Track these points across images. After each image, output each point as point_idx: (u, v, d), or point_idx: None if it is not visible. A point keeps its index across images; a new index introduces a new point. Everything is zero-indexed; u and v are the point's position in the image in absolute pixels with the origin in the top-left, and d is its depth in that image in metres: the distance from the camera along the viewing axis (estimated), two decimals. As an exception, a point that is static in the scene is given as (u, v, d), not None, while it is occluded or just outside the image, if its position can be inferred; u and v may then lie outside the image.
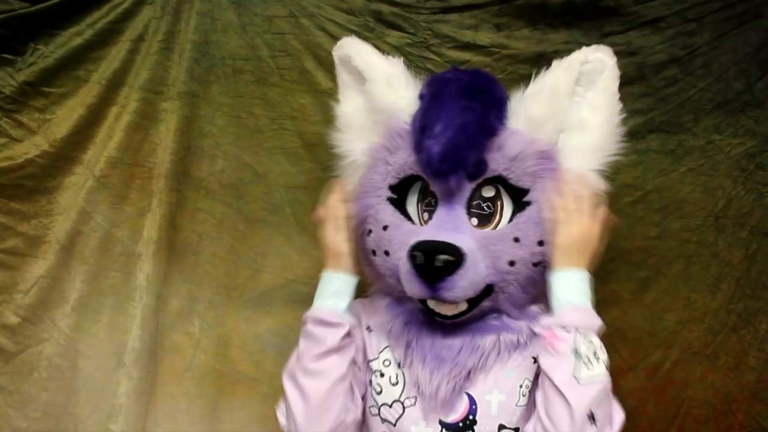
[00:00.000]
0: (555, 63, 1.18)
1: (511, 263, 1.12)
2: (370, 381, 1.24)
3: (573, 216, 1.11)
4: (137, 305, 1.66)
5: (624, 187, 1.67)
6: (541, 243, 1.13)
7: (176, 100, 1.67)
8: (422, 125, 1.12)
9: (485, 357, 1.15)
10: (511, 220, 1.14)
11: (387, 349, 1.24)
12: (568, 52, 1.60)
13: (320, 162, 1.68)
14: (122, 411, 1.64)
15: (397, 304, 1.24)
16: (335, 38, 1.65)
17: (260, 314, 1.72)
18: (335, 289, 1.19)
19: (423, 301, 1.16)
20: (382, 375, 1.21)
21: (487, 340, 1.15)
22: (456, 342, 1.16)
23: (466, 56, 1.65)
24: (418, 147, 1.11)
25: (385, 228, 1.18)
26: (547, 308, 1.19)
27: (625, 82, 1.61)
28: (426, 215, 1.18)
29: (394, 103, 1.21)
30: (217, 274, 1.71)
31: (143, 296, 1.66)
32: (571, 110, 1.16)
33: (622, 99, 1.62)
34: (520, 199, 1.14)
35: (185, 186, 1.69)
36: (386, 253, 1.17)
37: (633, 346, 1.69)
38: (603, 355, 1.07)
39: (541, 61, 1.61)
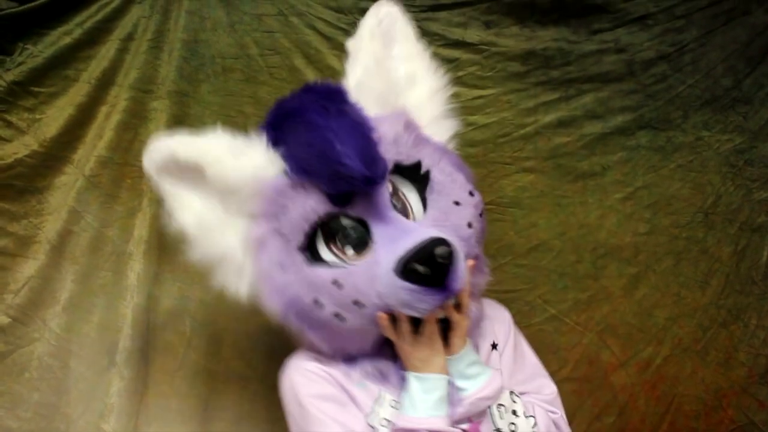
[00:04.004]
0: (353, 40, 1.18)
1: (469, 225, 1.08)
2: None
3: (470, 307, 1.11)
4: (128, 304, 1.66)
5: (614, 184, 1.68)
6: (471, 194, 1.12)
7: (166, 98, 1.66)
8: (318, 151, 1.00)
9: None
10: (423, 200, 1.10)
11: (384, 391, 1.12)
12: (557, 49, 1.65)
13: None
14: (114, 410, 1.63)
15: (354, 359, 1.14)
16: (324, 36, 1.66)
17: (251, 312, 1.71)
18: (440, 396, 1.06)
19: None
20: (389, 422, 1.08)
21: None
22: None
23: (455, 54, 1.66)
24: (329, 174, 1.00)
25: (335, 283, 1.03)
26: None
27: (614, 79, 1.66)
28: (351, 251, 1.06)
29: (251, 169, 1.07)
30: (208, 273, 1.70)
31: (134, 295, 1.65)
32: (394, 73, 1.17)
33: (611, 96, 1.66)
34: (417, 175, 1.11)
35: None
36: (356, 303, 1.02)
37: (624, 342, 1.70)
38: (518, 408, 1.12)
39: (530, 58, 1.66)
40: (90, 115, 1.66)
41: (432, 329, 1.07)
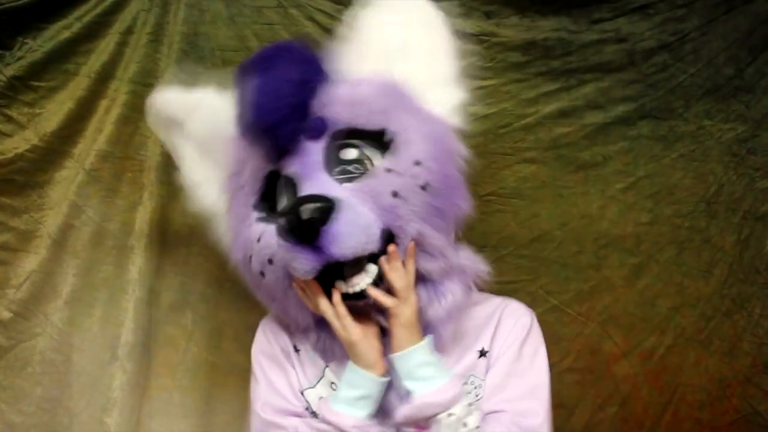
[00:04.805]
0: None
1: (394, 194, 0.96)
2: (314, 412, 1.10)
3: (409, 294, 1.01)
4: (130, 298, 1.66)
5: (615, 174, 1.67)
6: (417, 163, 0.99)
7: (166, 92, 1.66)
8: (239, 106, 1.02)
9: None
10: None
11: (328, 369, 1.12)
12: (558, 39, 1.65)
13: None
14: (116, 404, 1.64)
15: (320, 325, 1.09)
16: (324, 28, 1.66)
17: (252, 305, 1.70)
18: (362, 395, 1.02)
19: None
20: None
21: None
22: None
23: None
24: (245, 123, 1.00)
25: (258, 239, 1.03)
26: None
27: (615, 69, 1.65)
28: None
29: (219, 125, 1.11)
30: (209, 267, 1.70)
31: (136, 289, 1.66)
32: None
33: (612, 86, 1.66)
34: (381, 140, 1.02)
35: (176, 178, 1.69)
36: (270, 261, 1.02)
37: (626, 332, 1.70)
38: (471, 420, 1.01)
39: (531, 48, 1.65)
40: (90, 109, 1.66)
41: (351, 315, 1.01)
